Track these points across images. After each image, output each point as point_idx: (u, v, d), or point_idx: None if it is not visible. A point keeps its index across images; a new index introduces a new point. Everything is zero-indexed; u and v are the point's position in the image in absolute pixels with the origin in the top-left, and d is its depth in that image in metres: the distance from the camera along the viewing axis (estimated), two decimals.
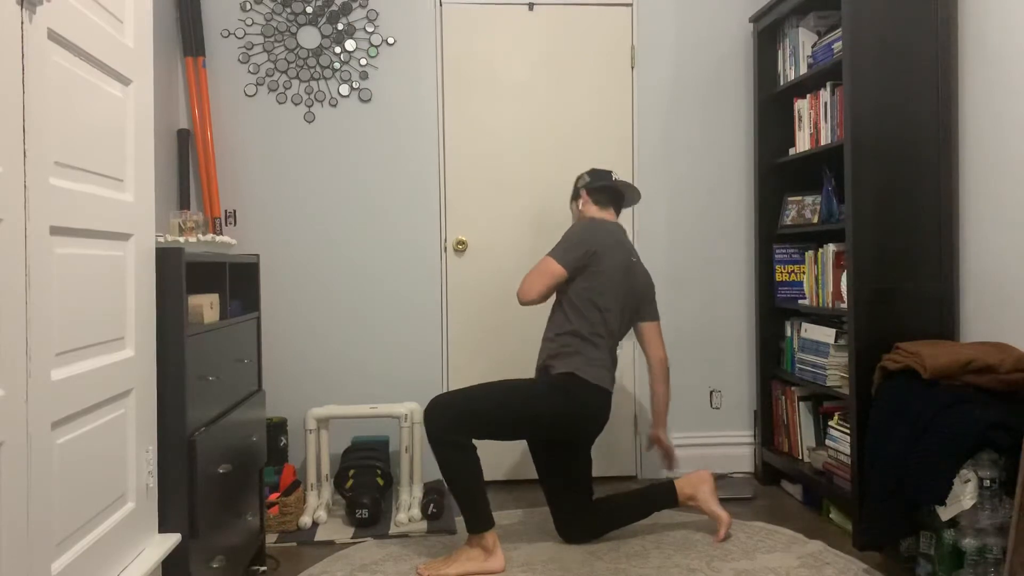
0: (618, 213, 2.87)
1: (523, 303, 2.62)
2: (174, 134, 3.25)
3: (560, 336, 2.62)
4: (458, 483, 2.43)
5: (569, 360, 2.57)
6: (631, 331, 2.81)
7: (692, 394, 3.52)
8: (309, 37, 3.35)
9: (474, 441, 2.47)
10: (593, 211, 2.81)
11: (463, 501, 2.44)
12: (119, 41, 1.65)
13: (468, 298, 3.44)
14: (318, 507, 2.95)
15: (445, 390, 3.42)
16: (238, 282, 2.47)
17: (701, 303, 3.53)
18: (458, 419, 2.43)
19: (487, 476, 3.40)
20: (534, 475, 2.78)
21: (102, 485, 1.54)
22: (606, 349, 2.61)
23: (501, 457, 3.44)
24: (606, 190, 2.82)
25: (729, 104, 3.52)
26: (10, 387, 1.22)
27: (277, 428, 3.19)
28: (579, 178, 2.88)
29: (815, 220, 3.01)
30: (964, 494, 2.01)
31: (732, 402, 3.55)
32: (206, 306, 2.03)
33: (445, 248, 3.43)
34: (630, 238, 3.47)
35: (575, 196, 2.87)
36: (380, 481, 3.00)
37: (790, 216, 3.20)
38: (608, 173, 2.84)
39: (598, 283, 2.61)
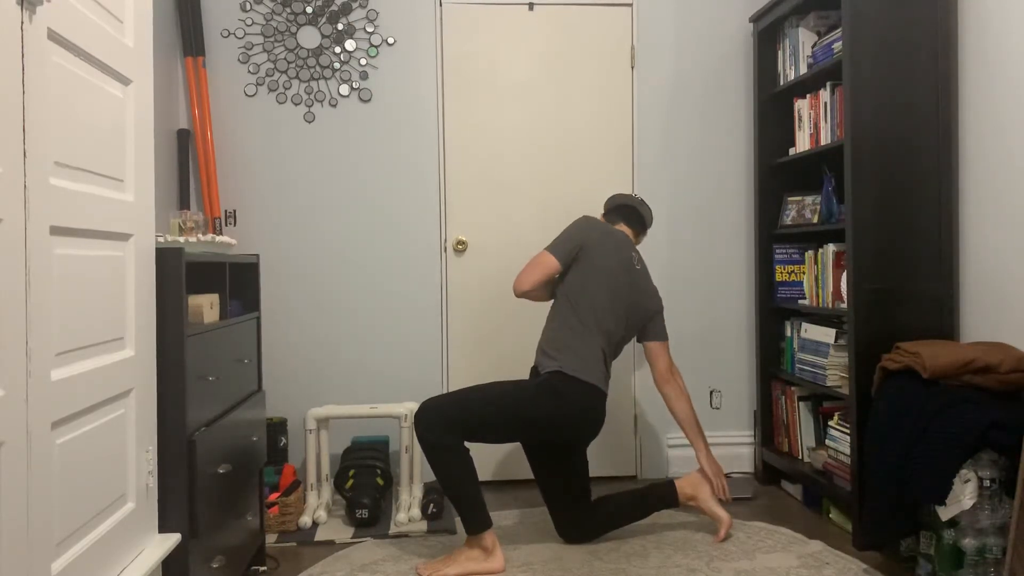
0: (635, 229, 2.87)
1: (517, 294, 2.66)
2: (174, 134, 3.25)
3: (552, 331, 2.63)
4: (452, 486, 2.43)
5: (558, 357, 2.56)
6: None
7: (692, 394, 3.50)
8: (309, 37, 3.35)
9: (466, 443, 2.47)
10: None
11: (459, 503, 2.44)
12: (119, 41, 1.65)
13: (468, 298, 3.44)
14: (318, 507, 2.95)
15: (445, 390, 3.42)
16: (238, 282, 2.47)
17: (701, 303, 3.53)
18: (448, 422, 2.42)
19: (486, 476, 3.44)
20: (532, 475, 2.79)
21: (102, 485, 1.55)
22: (597, 346, 2.59)
23: (500, 457, 3.44)
24: (617, 210, 2.88)
25: (729, 104, 3.52)
26: (10, 387, 1.22)
27: (277, 428, 3.19)
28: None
29: (815, 220, 3.01)
30: (964, 494, 2.01)
31: (732, 402, 3.55)
32: (206, 306, 2.03)
33: (445, 248, 3.43)
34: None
35: None
36: (380, 481, 3.00)
37: (790, 216, 3.20)
38: (627, 197, 2.91)
39: (590, 278, 2.63)
